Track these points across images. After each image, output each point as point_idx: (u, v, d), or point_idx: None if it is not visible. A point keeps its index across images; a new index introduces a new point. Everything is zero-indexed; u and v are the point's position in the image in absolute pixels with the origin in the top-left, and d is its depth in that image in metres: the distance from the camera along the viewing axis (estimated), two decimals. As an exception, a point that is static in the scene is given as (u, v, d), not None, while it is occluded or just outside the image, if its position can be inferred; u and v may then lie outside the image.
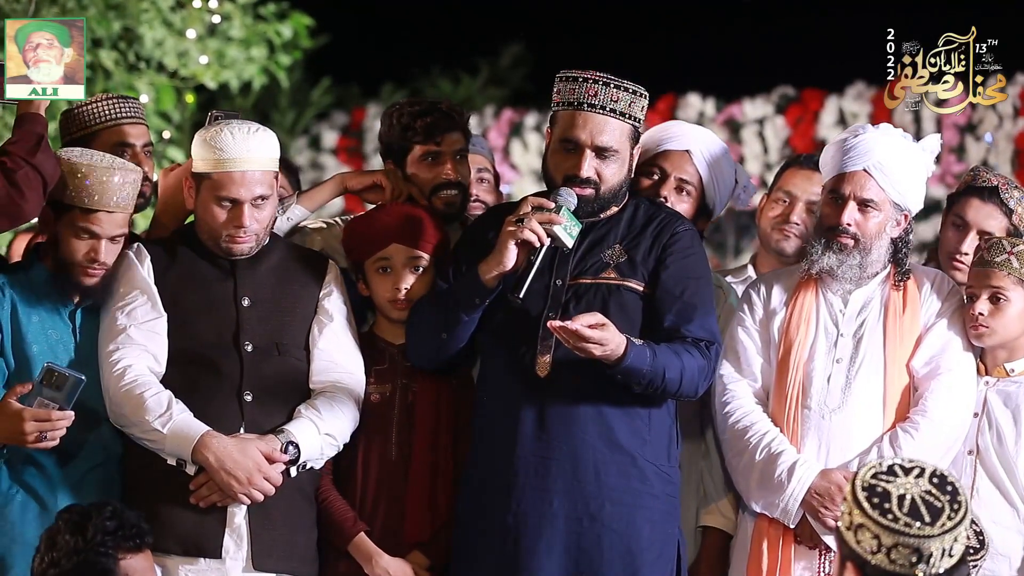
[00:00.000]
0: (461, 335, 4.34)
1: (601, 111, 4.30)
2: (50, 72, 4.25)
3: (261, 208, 4.38)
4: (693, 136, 4.81)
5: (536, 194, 4.42)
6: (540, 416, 4.26)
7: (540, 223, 4.20)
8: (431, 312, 4.39)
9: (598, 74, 4.32)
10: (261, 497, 4.25)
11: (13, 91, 4.25)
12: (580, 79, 4.32)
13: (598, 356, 4.11)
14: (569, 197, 4.27)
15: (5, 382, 4.28)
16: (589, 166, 4.31)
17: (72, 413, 4.09)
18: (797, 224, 4.89)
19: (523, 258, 4.22)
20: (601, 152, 4.32)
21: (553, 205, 4.23)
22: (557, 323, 4.09)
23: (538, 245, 4.19)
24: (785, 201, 4.94)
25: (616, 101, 4.30)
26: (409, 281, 4.49)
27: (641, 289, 4.32)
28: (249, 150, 4.35)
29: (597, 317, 4.11)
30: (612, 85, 4.30)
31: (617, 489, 4.26)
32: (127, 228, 4.39)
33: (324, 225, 4.83)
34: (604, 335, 4.08)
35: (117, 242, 4.37)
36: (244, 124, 4.38)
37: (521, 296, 4.18)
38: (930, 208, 8.01)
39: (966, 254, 4.69)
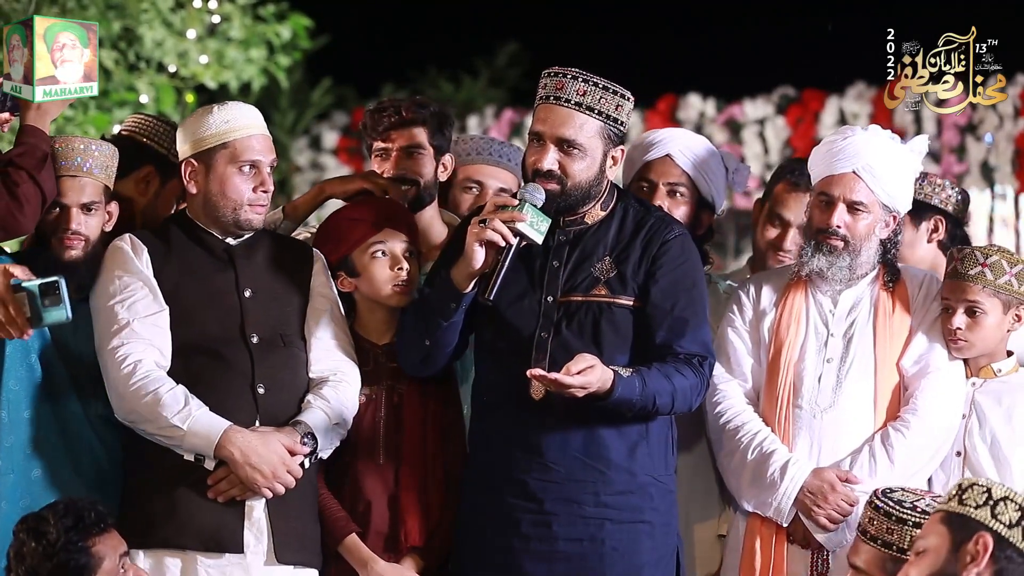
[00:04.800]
0: (444, 341, 4.29)
1: (566, 104, 4.21)
2: (74, 72, 4.28)
3: (271, 177, 4.42)
4: (670, 139, 4.80)
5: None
6: (537, 439, 4.22)
7: (504, 221, 4.14)
8: (414, 319, 4.33)
9: (572, 70, 4.24)
10: (283, 490, 4.21)
11: (42, 91, 4.26)
12: (553, 74, 4.25)
13: (583, 396, 4.07)
14: (536, 193, 4.19)
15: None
16: (551, 159, 4.21)
17: (31, 334, 3.98)
18: (791, 250, 4.88)
19: (492, 258, 4.16)
20: (564, 145, 4.22)
21: (516, 202, 4.17)
22: (538, 372, 4.05)
23: (503, 244, 4.14)
24: (778, 228, 4.93)
25: (583, 95, 4.20)
26: (406, 265, 4.46)
27: (632, 304, 4.26)
28: (256, 116, 4.41)
29: (586, 360, 4.05)
30: (581, 79, 4.22)
31: (617, 508, 4.22)
32: (103, 200, 4.36)
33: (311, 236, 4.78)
34: (587, 379, 4.02)
35: (93, 214, 4.34)
36: (228, 101, 4.44)
37: (491, 298, 4.13)
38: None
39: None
